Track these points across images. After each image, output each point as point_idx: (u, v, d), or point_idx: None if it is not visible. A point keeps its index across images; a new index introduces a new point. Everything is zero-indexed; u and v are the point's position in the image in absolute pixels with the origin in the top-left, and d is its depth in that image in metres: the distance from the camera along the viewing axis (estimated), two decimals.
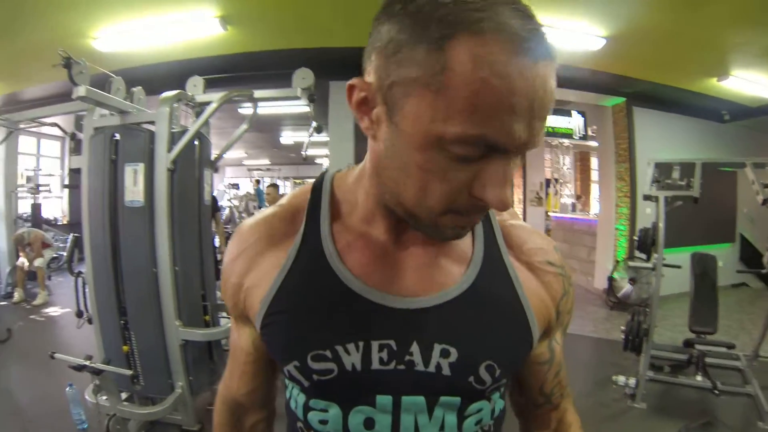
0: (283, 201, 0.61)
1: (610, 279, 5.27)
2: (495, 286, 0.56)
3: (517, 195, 9.24)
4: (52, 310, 4.99)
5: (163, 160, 2.38)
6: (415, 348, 0.52)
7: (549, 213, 8.52)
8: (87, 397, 2.48)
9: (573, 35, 3.81)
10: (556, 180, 9.39)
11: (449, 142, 0.40)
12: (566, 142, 8.84)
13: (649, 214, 3.04)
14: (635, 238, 3.47)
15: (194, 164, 2.62)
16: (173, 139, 2.42)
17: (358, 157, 5.02)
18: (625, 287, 5.11)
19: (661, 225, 2.94)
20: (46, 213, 7.36)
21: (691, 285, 3.28)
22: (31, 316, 4.77)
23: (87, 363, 2.25)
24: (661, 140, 5.55)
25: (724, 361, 3.05)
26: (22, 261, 5.37)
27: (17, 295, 5.27)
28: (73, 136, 2.85)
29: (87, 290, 2.67)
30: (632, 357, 3.17)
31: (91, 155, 2.53)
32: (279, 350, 0.56)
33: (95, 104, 2.46)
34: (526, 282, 0.57)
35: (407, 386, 0.52)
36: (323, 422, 0.54)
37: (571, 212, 8.53)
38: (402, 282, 0.54)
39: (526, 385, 0.67)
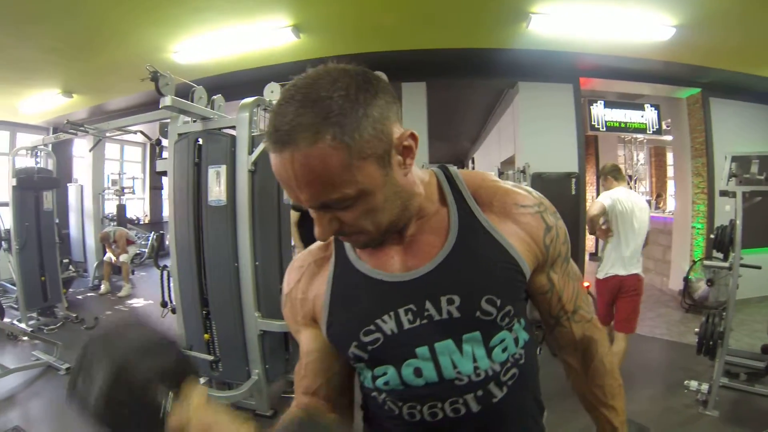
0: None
1: (686, 280, 4.99)
2: (474, 239, 0.69)
3: (590, 192, 8.92)
4: (135, 302, 5.46)
5: (244, 162, 2.58)
6: (429, 305, 0.66)
7: None
8: None
9: (641, 25, 3.66)
10: (630, 177, 8.98)
11: None
12: (640, 137, 8.41)
13: (728, 212, 2.84)
14: (711, 236, 3.24)
15: None
16: (253, 142, 2.61)
17: (432, 157, 5.12)
18: (702, 288, 4.82)
19: (739, 222, 2.76)
20: (130, 213, 8.02)
21: None
22: (116, 307, 5.24)
23: None
24: (739, 132, 5.18)
25: None
26: (109, 256, 5.89)
27: (104, 288, 5.80)
28: (158, 142, 3.13)
29: (171, 283, 2.92)
30: (706, 362, 2.99)
31: (175, 159, 2.77)
32: (342, 339, 0.71)
33: (179, 112, 2.70)
34: (502, 227, 0.70)
35: (435, 334, 0.66)
36: (386, 383, 0.69)
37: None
38: (406, 263, 0.69)
39: (540, 312, 0.81)
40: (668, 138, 7.11)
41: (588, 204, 8.78)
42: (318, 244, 0.78)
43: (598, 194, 8.41)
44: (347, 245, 0.74)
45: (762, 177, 2.85)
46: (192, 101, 2.71)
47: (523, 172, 4.70)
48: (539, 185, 4.73)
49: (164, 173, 2.90)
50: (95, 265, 6.16)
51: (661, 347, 4.09)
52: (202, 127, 2.72)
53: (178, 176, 2.75)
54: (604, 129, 6.31)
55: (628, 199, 3.00)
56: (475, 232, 0.69)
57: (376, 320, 0.68)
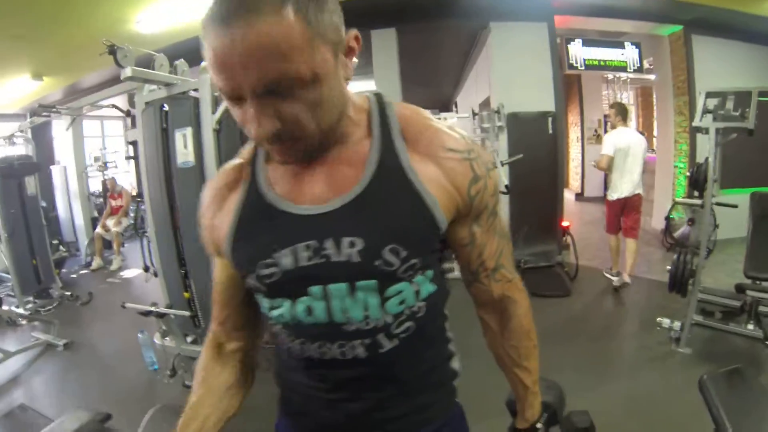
0: (239, 153, 0.75)
1: (668, 219, 5.02)
2: (390, 181, 0.64)
3: (575, 133, 8.90)
4: (127, 273, 5.59)
5: (209, 122, 2.58)
6: (329, 243, 0.63)
7: None
8: (156, 341, 2.89)
9: None
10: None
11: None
12: (624, 76, 8.29)
13: (707, 150, 2.83)
14: (688, 174, 3.29)
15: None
16: (216, 102, 2.60)
17: (406, 101, 5.02)
18: (683, 227, 4.89)
19: (712, 159, 2.77)
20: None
21: (749, 227, 3.08)
22: (109, 280, 5.38)
23: (152, 309, 2.63)
24: (722, 71, 5.08)
25: None
26: (99, 231, 5.94)
27: (95, 263, 5.88)
28: (128, 113, 3.10)
29: (151, 247, 3.01)
30: (683, 301, 3.01)
31: (144, 127, 2.77)
32: (242, 268, 0.69)
33: (143, 81, 2.67)
34: (423, 171, 0.65)
35: (330, 276, 0.64)
36: (281, 316, 0.69)
37: None
38: (315, 194, 0.66)
39: (459, 266, 0.77)
40: (652, 77, 7.01)
41: (570, 141, 8.81)
42: (233, 164, 0.74)
43: (583, 134, 8.50)
44: (260, 170, 0.70)
45: (737, 113, 2.84)
46: (154, 69, 2.66)
47: (498, 112, 4.61)
48: (515, 125, 4.73)
49: (135, 142, 2.90)
50: (86, 242, 6.20)
51: (640, 285, 4.17)
52: (167, 93, 2.70)
53: (148, 143, 2.76)
54: (583, 68, 6.18)
55: (625, 139, 3.94)
56: (392, 173, 0.64)
57: (274, 254, 0.65)
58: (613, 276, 4.24)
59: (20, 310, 3.86)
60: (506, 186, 4.02)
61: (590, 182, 8.65)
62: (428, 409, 0.77)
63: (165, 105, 2.71)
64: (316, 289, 0.65)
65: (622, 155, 3.90)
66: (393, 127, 0.67)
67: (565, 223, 4.84)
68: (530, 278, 4.25)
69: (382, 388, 0.73)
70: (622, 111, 4.08)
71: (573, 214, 6.72)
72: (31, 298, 4.23)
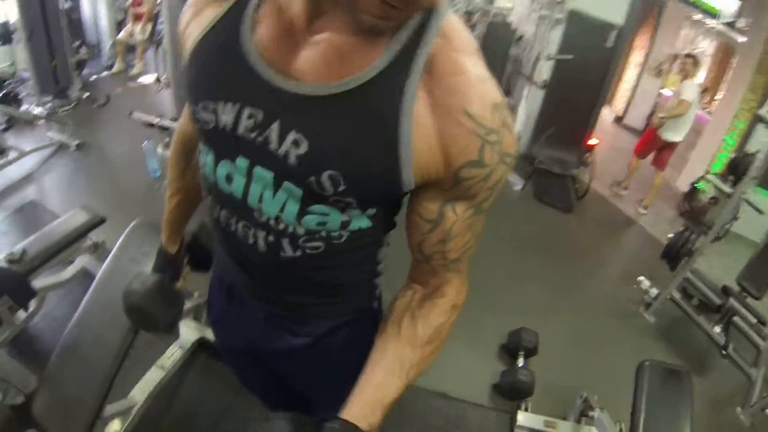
0: None
1: (693, 186, 4.82)
2: (376, 102, 0.51)
3: (637, 58, 8.16)
4: (146, 78, 5.56)
5: None
6: (275, 126, 0.54)
7: (663, 90, 7.56)
8: (159, 150, 3.00)
9: None
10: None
11: None
12: (708, 22, 7.31)
13: (763, 143, 2.59)
14: (732, 155, 3.08)
15: None
16: None
17: None
18: (705, 202, 4.75)
19: (762, 156, 2.53)
20: None
21: (765, 237, 2.95)
22: (128, 83, 5.39)
23: (156, 121, 2.71)
24: None
25: (750, 332, 2.71)
26: (123, 36, 5.76)
27: (117, 67, 5.76)
28: None
29: (166, 58, 2.93)
30: (668, 272, 3.00)
31: None
32: (187, 93, 0.62)
33: None
34: (420, 117, 0.51)
35: (261, 158, 0.56)
36: (204, 165, 0.64)
37: None
38: (295, 64, 0.54)
39: (407, 235, 0.64)
40: (741, 39, 6.19)
41: (629, 64, 8.13)
42: None
43: (644, 63, 7.80)
44: (250, 11, 0.57)
45: None
46: None
47: (561, 2, 4.20)
48: (574, 24, 4.34)
49: None
50: (109, 45, 6.05)
51: (637, 234, 4.18)
52: None
53: None
54: None
55: (697, 91, 4.17)
56: (383, 102, 0.51)
57: (217, 101, 0.57)
58: (621, 190, 4.76)
59: (38, 110, 3.92)
60: (544, 81, 3.91)
61: (635, 110, 8.00)
62: (329, 308, 0.76)
63: None
64: (241, 163, 0.58)
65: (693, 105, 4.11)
66: (422, 47, 0.51)
67: (592, 141, 4.67)
68: (539, 180, 4.32)
69: (280, 287, 0.71)
70: (696, 62, 4.20)
71: (604, 135, 6.48)
72: (49, 99, 4.27)
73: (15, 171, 3.08)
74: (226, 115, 0.56)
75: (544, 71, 3.86)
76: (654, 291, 2.98)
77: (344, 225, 0.61)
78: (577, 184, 4.54)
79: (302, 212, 0.58)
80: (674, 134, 4.21)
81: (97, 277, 1.37)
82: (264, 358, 0.84)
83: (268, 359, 0.84)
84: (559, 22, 4.25)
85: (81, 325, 1.29)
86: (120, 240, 1.45)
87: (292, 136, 0.53)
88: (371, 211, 0.61)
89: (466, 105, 0.50)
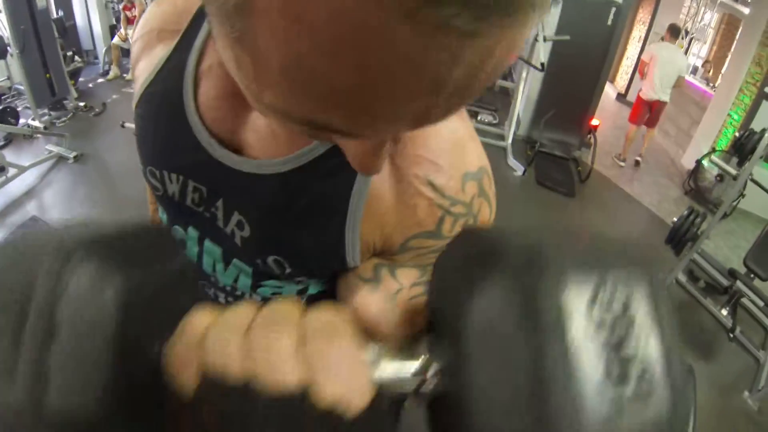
0: None
1: (698, 162, 4.76)
2: (325, 181, 0.45)
3: (640, 32, 7.99)
4: None
5: None
6: (219, 204, 0.50)
7: None
8: None
9: None
10: (687, 33, 7.86)
11: None
12: None
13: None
14: (736, 134, 3.02)
15: None
16: None
17: None
18: (710, 179, 4.68)
19: None
20: None
21: None
22: (124, 89, 5.35)
23: None
24: None
25: (758, 313, 2.69)
26: (117, 40, 5.74)
27: (112, 72, 5.76)
28: None
29: None
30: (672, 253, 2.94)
31: None
32: (137, 148, 0.56)
33: None
34: (377, 191, 0.45)
35: (210, 233, 0.53)
36: (162, 219, 0.61)
37: (689, 74, 7.32)
38: (241, 134, 0.48)
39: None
40: (745, 11, 5.99)
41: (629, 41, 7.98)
42: (177, 7, 0.51)
43: (647, 36, 7.67)
44: (200, 36, 0.48)
45: None
46: None
47: None
48: (570, 5, 4.27)
49: None
50: (104, 50, 6.04)
51: (641, 216, 4.10)
52: None
53: None
54: None
55: (667, 54, 4.49)
56: (336, 178, 0.45)
57: (162, 169, 0.52)
58: (620, 162, 4.96)
59: (36, 123, 3.94)
60: (542, 63, 3.81)
61: (638, 86, 7.93)
62: None
63: None
64: (193, 233, 0.55)
65: (660, 66, 4.46)
66: None
67: (594, 122, 4.60)
68: (540, 164, 4.27)
69: None
70: (674, 30, 4.64)
71: (607, 114, 6.40)
72: (46, 111, 4.27)
73: (15, 187, 3.10)
74: (172, 185, 0.52)
75: (542, 53, 3.78)
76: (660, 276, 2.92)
77: (301, 292, 0.58)
78: (579, 166, 4.49)
79: (256, 285, 0.56)
80: (663, 95, 4.58)
81: None
82: None
83: None
84: (556, 2, 4.18)
85: None
86: None
87: (236, 217, 0.50)
88: (325, 279, 0.57)
89: (431, 176, 0.43)
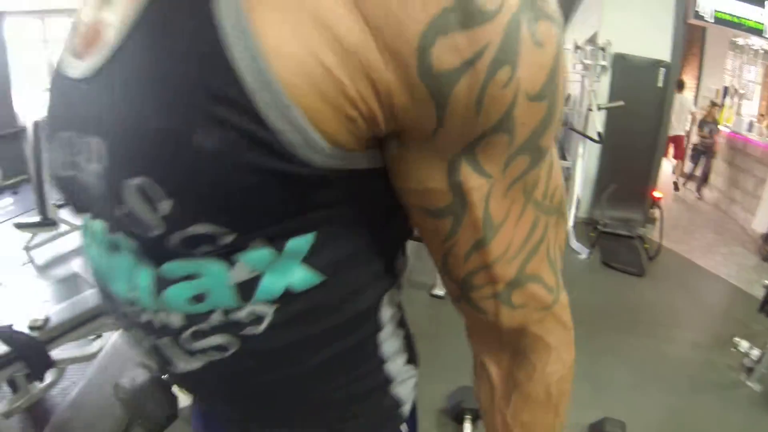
0: None
1: None
2: (178, 13, 0.28)
3: (689, 93, 8.00)
4: None
5: None
6: (85, 143, 0.33)
7: (719, 126, 7.38)
8: None
9: None
10: (735, 91, 7.87)
11: None
12: (756, 45, 7.13)
13: None
14: None
15: None
16: None
17: None
18: None
19: None
20: None
21: None
22: None
23: None
24: None
25: None
26: None
27: None
28: None
29: None
30: (767, 324, 2.66)
31: None
32: None
33: None
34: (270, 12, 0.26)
35: (85, 203, 0.37)
36: None
37: (746, 131, 7.19)
38: (99, 33, 0.32)
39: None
40: None
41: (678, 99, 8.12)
42: None
43: (695, 100, 7.73)
44: None
45: None
46: None
47: (603, 50, 4.08)
48: (620, 68, 4.28)
49: None
50: None
51: (723, 289, 3.75)
52: None
53: None
54: (712, 20, 5.11)
55: (677, 104, 5.49)
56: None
57: (49, 141, 0.38)
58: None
59: None
60: (599, 133, 3.64)
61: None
62: None
63: None
64: (85, 218, 0.39)
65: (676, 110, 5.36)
66: None
67: (657, 194, 4.34)
68: (605, 244, 4.03)
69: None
70: (679, 85, 5.77)
71: (667, 187, 6.26)
72: None
73: (64, 244, 3.29)
74: (49, 153, 0.40)
75: (597, 123, 3.72)
76: (755, 353, 2.55)
77: (250, 288, 0.33)
78: (646, 243, 4.27)
79: (159, 283, 0.35)
80: (677, 128, 5.99)
81: (98, 358, 1.26)
82: None
83: None
84: (605, 70, 4.16)
85: (75, 407, 1.18)
86: None
87: (94, 142, 0.32)
88: (299, 242, 0.33)
89: None
